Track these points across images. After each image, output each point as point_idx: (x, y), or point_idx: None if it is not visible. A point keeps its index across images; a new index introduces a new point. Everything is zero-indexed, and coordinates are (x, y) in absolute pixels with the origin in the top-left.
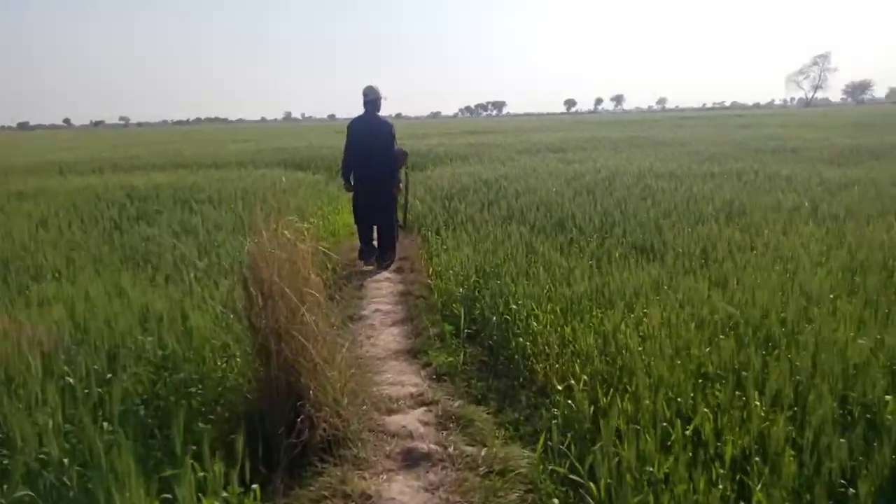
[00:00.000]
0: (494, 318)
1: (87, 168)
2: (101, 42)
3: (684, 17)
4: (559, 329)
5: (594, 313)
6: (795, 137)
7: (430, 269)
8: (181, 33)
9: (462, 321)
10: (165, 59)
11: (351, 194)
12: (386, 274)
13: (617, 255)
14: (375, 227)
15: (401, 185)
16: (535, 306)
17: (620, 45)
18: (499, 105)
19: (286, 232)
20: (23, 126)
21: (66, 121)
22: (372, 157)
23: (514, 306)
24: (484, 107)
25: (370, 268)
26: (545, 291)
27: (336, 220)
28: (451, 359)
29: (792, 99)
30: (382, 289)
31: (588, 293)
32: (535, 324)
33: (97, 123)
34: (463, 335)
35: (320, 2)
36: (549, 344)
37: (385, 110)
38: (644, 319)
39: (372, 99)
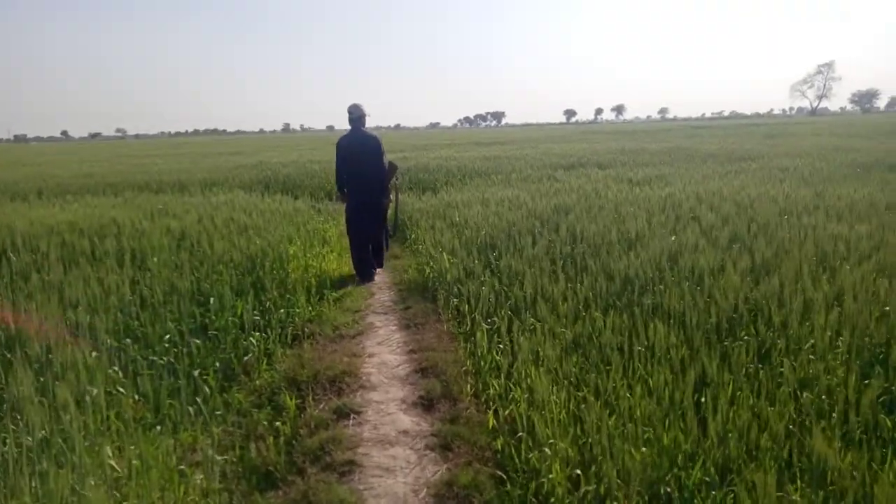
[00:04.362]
0: None
1: (24, 190)
2: (102, 54)
3: (682, 28)
4: None
5: None
6: (868, 149)
7: (489, 417)
8: (181, 47)
9: None
10: (165, 72)
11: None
12: (405, 419)
13: None
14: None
15: (390, 195)
16: None
17: (619, 55)
18: (498, 115)
19: None
20: (19, 138)
21: (65, 133)
22: (362, 171)
23: None
24: (483, 117)
25: (367, 398)
26: None
27: (321, 272)
28: None
29: (791, 108)
30: (396, 472)
31: None
32: None
33: (94, 136)
34: None
35: (318, 19)
36: None
37: (384, 121)
38: None
39: (357, 116)
